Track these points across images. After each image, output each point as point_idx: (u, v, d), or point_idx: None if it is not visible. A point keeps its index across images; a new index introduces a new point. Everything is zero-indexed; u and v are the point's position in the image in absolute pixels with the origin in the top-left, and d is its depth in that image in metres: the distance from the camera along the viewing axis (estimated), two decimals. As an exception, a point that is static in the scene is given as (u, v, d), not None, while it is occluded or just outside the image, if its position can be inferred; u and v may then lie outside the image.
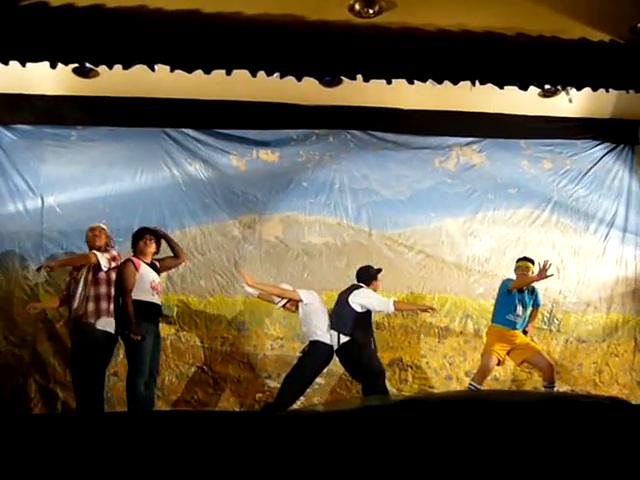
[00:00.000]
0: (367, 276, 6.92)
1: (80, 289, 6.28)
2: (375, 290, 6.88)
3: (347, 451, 1.83)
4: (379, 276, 6.96)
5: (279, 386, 6.74)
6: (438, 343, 7.72)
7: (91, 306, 6.23)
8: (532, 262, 7.20)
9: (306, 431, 1.96)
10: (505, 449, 1.85)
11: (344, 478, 1.79)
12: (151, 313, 6.31)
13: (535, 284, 7.28)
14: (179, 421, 2.31)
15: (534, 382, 7.60)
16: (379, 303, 6.78)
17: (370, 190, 7.99)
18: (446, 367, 7.69)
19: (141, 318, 6.08)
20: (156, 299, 6.37)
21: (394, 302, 6.78)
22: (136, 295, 6.14)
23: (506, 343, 7.02)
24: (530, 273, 7.12)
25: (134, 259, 6.32)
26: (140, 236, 6.45)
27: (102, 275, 6.36)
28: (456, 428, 1.89)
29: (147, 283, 6.28)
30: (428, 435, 1.87)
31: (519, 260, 7.34)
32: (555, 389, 6.98)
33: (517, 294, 7.08)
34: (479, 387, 6.85)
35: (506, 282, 7.18)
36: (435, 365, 7.52)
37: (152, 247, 6.47)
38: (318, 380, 7.22)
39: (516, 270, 7.27)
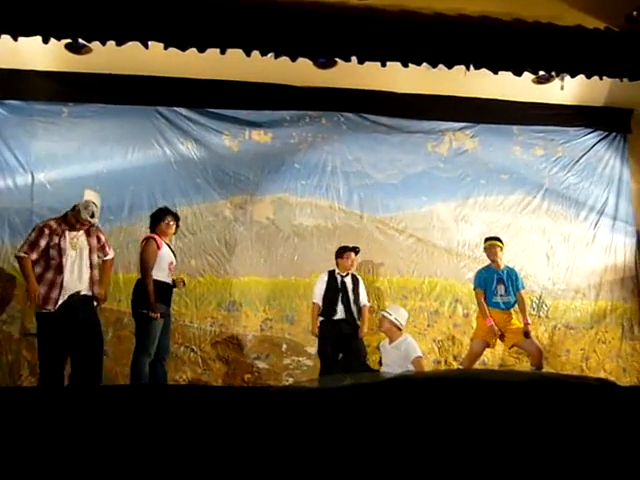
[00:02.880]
0: (338, 253, 7.09)
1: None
2: (345, 267, 6.99)
3: (339, 427, 1.85)
4: (351, 254, 7.03)
5: (267, 367, 6.74)
6: (427, 327, 7.76)
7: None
8: (500, 241, 7.25)
9: (298, 407, 1.97)
10: (494, 427, 1.87)
11: (335, 453, 1.80)
12: (166, 293, 6.25)
13: (525, 269, 7.30)
14: (173, 395, 2.32)
15: (522, 368, 7.62)
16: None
17: (362, 173, 8.00)
18: (435, 351, 7.73)
19: (156, 297, 6.02)
20: (170, 280, 6.33)
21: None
22: (154, 274, 6.09)
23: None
24: (499, 251, 7.16)
25: (157, 238, 6.24)
26: (162, 217, 6.37)
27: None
28: (446, 405, 1.91)
29: (166, 263, 6.24)
30: (419, 412, 1.89)
31: (487, 240, 7.34)
32: (542, 374, 7.04)
33: (495, 274, 7.09)
34: (467, 371, 6.90)
35: (481, 271, 7.18)
36: (424, 349, 7.51)
37: (173, 228, 6.46)
38: (307, 362, 7.26)
39: (485, 250, 7.29)
